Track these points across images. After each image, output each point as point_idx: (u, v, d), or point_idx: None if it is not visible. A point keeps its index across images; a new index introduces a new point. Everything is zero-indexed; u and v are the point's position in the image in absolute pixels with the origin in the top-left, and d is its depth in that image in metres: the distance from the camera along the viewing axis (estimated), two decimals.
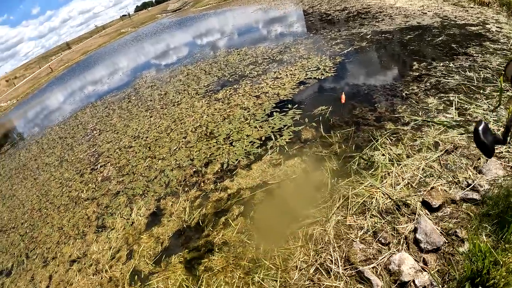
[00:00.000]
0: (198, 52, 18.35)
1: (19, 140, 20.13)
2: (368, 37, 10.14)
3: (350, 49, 9.73)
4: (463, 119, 5.08)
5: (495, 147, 2.47)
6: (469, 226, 3.35)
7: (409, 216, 3.75)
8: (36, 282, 6.27)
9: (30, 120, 26.39)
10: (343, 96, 6.99)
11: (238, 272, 4.12)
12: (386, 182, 4.30)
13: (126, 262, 5.40)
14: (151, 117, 11.01)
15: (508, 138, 2.51)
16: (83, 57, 66.25)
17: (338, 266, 3.52)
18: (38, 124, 22.15)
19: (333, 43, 10.62)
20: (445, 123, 5.10)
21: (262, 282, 3.82)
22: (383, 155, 4.82)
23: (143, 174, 7.61)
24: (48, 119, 21.97)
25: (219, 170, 6.42)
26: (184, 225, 5.44)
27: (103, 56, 49.34)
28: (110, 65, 33.50)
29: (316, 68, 8.99)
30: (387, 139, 5.14)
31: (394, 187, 4.17)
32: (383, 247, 3.55)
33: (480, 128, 2.39)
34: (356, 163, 4.91)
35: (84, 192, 8.40)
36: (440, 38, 8.49)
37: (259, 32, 17.85)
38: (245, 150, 6.63)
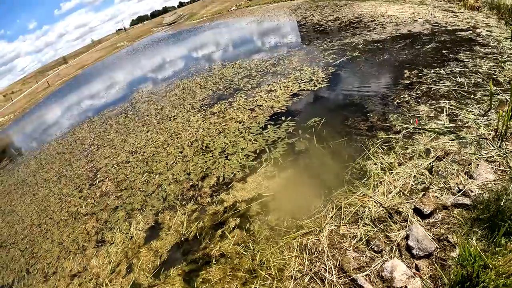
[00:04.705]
0: (193, 66, 18.44)
1: (18, 155, 20.14)
2: (360, 46, 10.24)
3: (342, 59, 9.80)
4: (454, 125, 5.16)
5: None
6: (460, 231, 3.42)
7: (401, 223, 3.81)
8: None
9: (28, 135, 26.37)
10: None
11: (235, 283, 4.17)
12: (378, 190, 4.37)
13: (126, 276, 5.45)
14: (148, 132, 11.09)
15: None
16: (79, 71, 66.39)
17: (332, 275, 3.59)
18: (36, 139, 22.17)
19: (326, 53, 10.70)
20: (436, 129, 5.17)
21: None
22: (375, 164, 4.89)
23: (141, 189, 7.67)
24: (46, 134, 21.98)
25: (215, 184, 6.48)
26: (182, 238, 5.49)
27: (99, 70, 49.51)
28: (107, 80, 33.58)
29: (309, 80, 9.06)
30: (379, 148, 5.21)
31: (386, 195, 4.23)
32: (376, 254, 3.61)
33: None
34: (349, 173, 4.98)
35: (83, 207, 8.44)
36: (430, 45, 8.60)
37: (253, 44, 17.93)
38: (240, 163, 6.69)
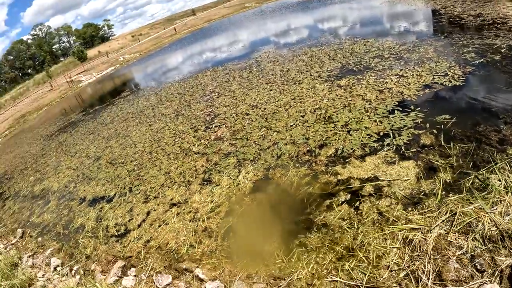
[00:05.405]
0: (322, 36, 18.28)
1: (137, 90, 22.35)
2: (502, 50, 9.34)
3: (482, 60, 9.04)
4: None
5: None
6: None
7: (511, 250, 3.66)
8: (134, 214, 7.20)
9: (149, 74, 28.77)
10: None
11: (331, 256, 4.37)
12: (496, 209, 4.16)
13: (224, 218, 5.96)
14: (271, 90, 11.47)
15: None
16: (206, 24, 69.54)
17: (429, 279, 3.59)
18: (156, 79, 24.11)
19: (464, 50, 9.87)
20: None
21: (351, 272, 4.02)
22: (500, 180, 4.64)
23: (256, 142, 8.11)
24: (166, 76, 23.81)
25: (332, 155, 6.62)
26: (288, 198, 5.81)
27: (226, 26, 51.14)
28: (232, 36, 34.73)
29: (444, 74, 8.54)
30: (507, 165, 4.90)
31: (503, 217, 4.03)
32: (477, 273, 3.52)
33: None
34: (470, 181, 4.77)
35: (196, 146, 9.20)
36: None
37: (386, 25, 17.12)
38: (361, 141, 6.72)
